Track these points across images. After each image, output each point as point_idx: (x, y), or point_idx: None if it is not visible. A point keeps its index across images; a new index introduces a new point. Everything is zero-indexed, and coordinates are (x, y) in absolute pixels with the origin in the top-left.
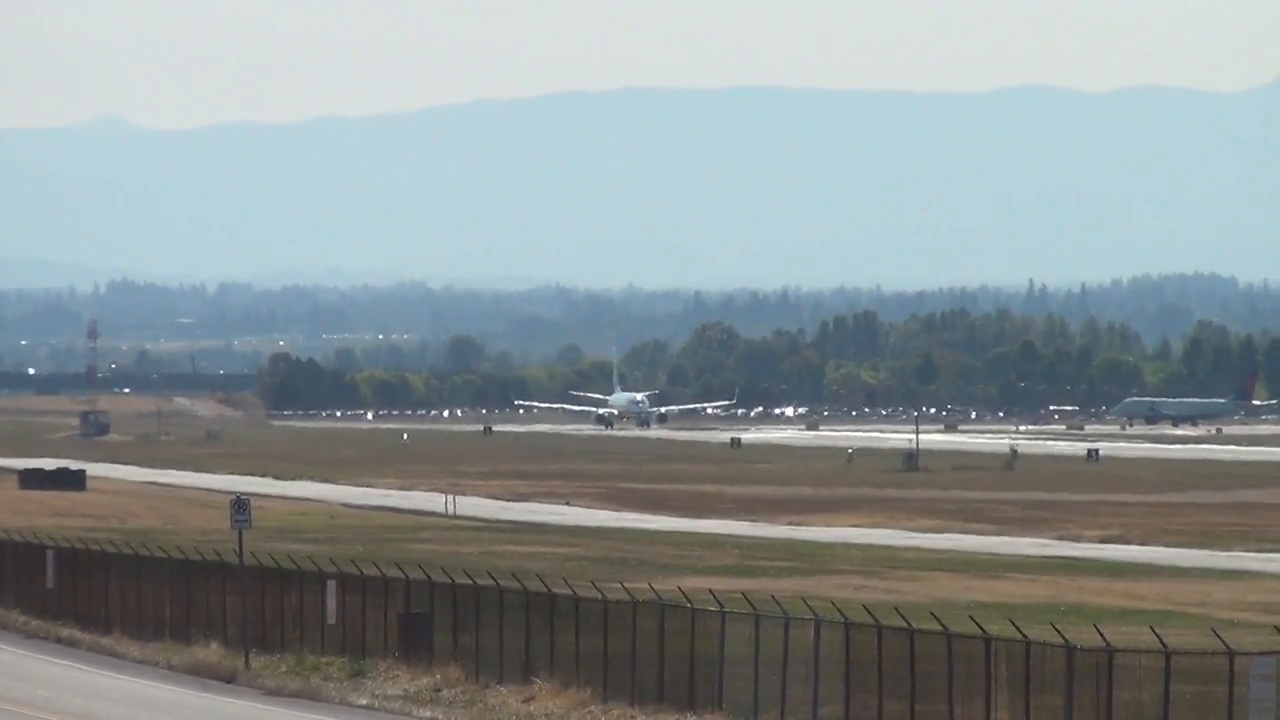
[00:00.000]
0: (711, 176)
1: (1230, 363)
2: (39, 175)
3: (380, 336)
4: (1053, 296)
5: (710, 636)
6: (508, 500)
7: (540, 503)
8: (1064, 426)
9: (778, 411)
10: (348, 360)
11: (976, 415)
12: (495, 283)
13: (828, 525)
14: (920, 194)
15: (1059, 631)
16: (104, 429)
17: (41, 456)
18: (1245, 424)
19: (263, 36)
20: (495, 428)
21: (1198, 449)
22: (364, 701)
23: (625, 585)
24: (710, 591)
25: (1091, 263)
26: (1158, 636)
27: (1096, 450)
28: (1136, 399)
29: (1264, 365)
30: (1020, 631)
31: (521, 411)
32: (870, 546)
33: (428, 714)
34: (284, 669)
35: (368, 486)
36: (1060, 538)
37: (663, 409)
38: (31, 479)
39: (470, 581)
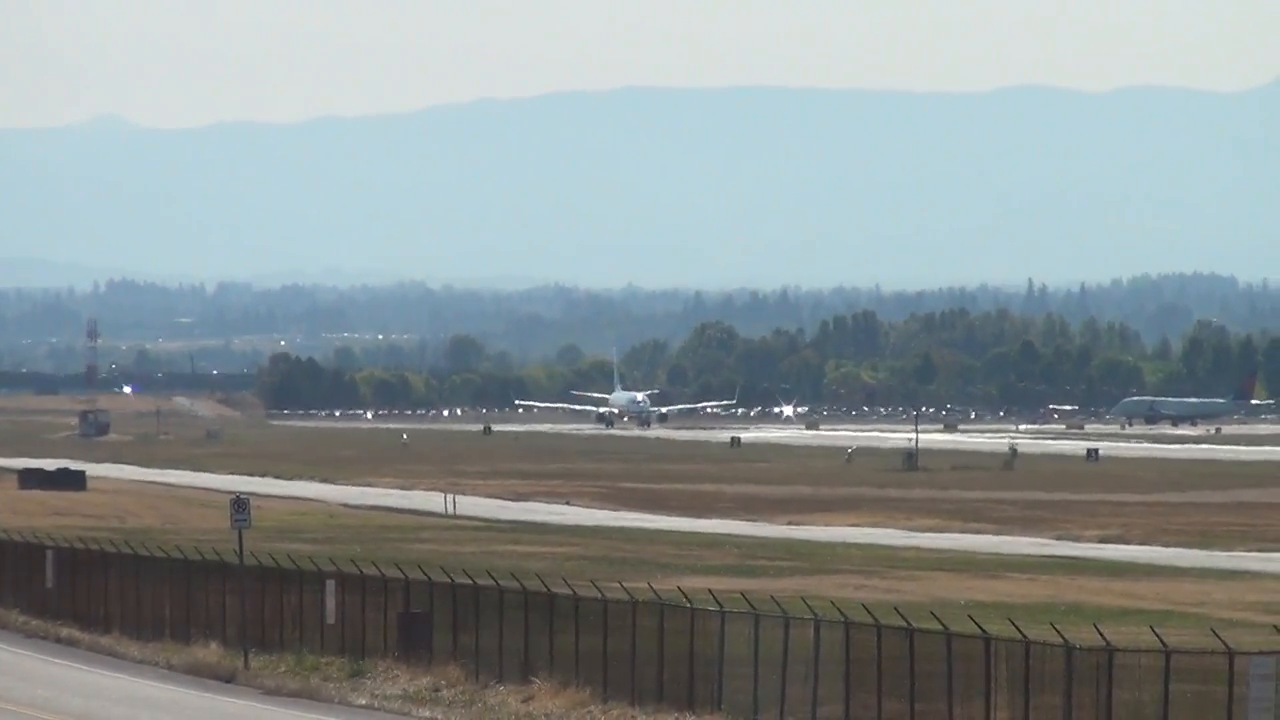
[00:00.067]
0: (711, 176)
1: (1229, 363)
2: (38, 175)
3: (380, 336)
4: (1052, 296)
5: (710, 636)
6: (507, 500)
7: (540, 502)
8: (1063, 426)
9: (777, 411)
10: (347, 360)
11: (976, 415)
12: (495, 282)
13: (827, 525)
14: (920, 194)
15: (1058, 631)
16: (103, 429)
17: (41, 456)
18: (1244, 424)
19: (263, 36)
20: (495, 427)
21: (1197, 449)
22: (363, 701)
23: (624, 585)
24: (709, 591)
25: (1091, 262)
26: (1157, 636)
27: (1096, 450)
28: (1136, 399)
29: (1263, 365)
30: (1020, 631)
31: (521, 411)
32: (870, 546)
33: (427, 714)
34: (283, 669)
35: (367, 486)
36: (1060, 537)
37: (663, 409)
38: (31, 479)
39: (470, 581)
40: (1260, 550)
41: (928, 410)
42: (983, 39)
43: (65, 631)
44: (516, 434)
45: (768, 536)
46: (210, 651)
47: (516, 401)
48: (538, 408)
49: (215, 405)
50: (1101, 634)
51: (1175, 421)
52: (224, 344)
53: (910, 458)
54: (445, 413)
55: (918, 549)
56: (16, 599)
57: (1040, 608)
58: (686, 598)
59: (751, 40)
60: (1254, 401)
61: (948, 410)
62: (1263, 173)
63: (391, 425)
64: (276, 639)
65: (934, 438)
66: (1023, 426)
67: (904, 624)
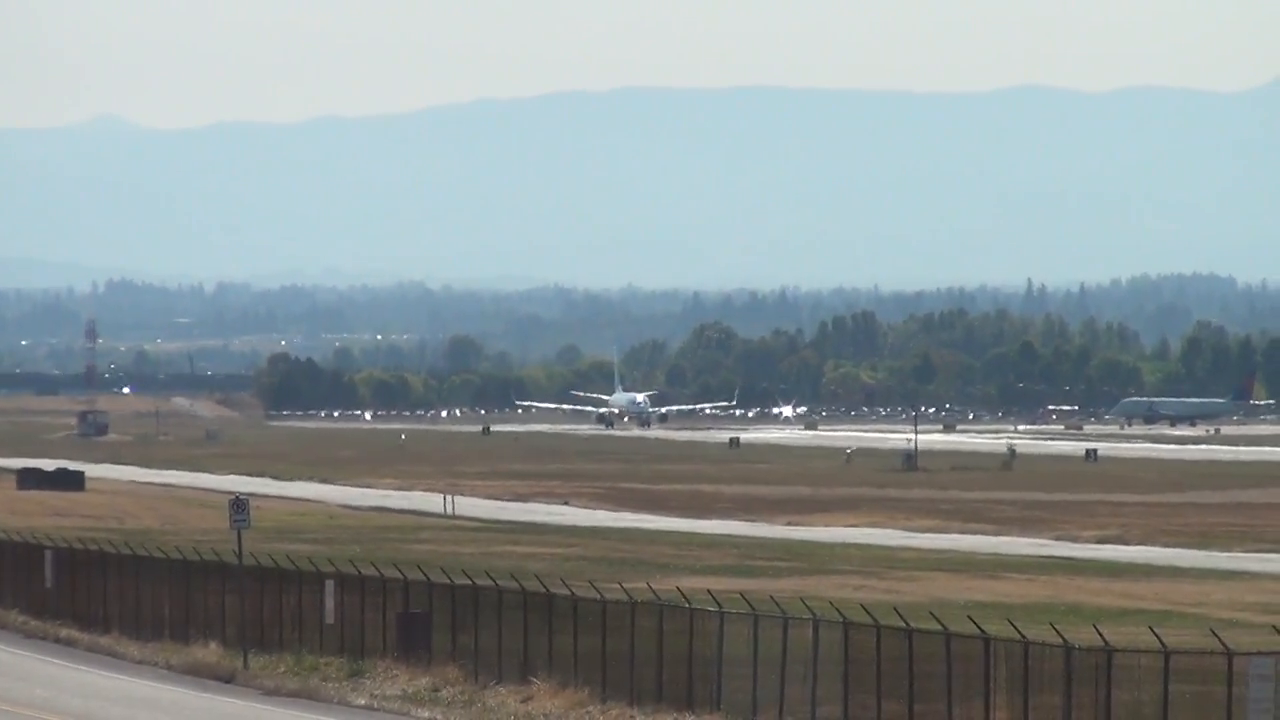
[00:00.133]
0: (711, 176)
1: (1228, 363)
2: (38, 175)
3: (379, 336)
4: (1051, 296)
5: (708, 636)
6: (506, 500)
7: (539, 503)
8: (1062, 426)
9: (776, 411)
10: (346, 360)
11: (975, 415)
12: (494, 283)
13: (826, 525)
14: (919, 194)
15: (1058, 631)
16: (102, 429)
17: (40, 456)
18: (1243, 424)
19: (262, 36)
20: (494, 428)
21: (1196, 449)
22: (362, 701)
23: (623, 585)
24: (708, 591)
25: (1090, 263)
26: (1156, 636)
27: (1095, 450)
28: (1135, 399)
29: (1262, 365)
30: (1019, 631)
31: (520, 411)
32: (869, 546)
33: (426, 714)
34: (283, 669)
35: (366, 487)
36: (1059, 538)
37: (664, 409)
38: (30, 479)
39: (469, 582)
40: (1259, 551)
41: (927, 411)
42: (983, 39)
43: (64, 632)
44: (515, 434)
45: (767, 537)
46: (209, 652)
47: (517, 402)
48: (538, 408)
49: (214, 406)
50: (1101, 634)
51: (1174, 422)
52: (223, 344)
53: (909, 458)
54: (444, 413)
55: (917, 549)
56: (15, 599)
57: (1039, 608)
58: (685, 598)
59: (751, 40)
60: (1253, 402)
61: (947, 411)
62: (1262, 173)
63: (390, 426)
64: (276, 639)
65: (933, 438)
66: (1022, 427)
67: (903, 624)
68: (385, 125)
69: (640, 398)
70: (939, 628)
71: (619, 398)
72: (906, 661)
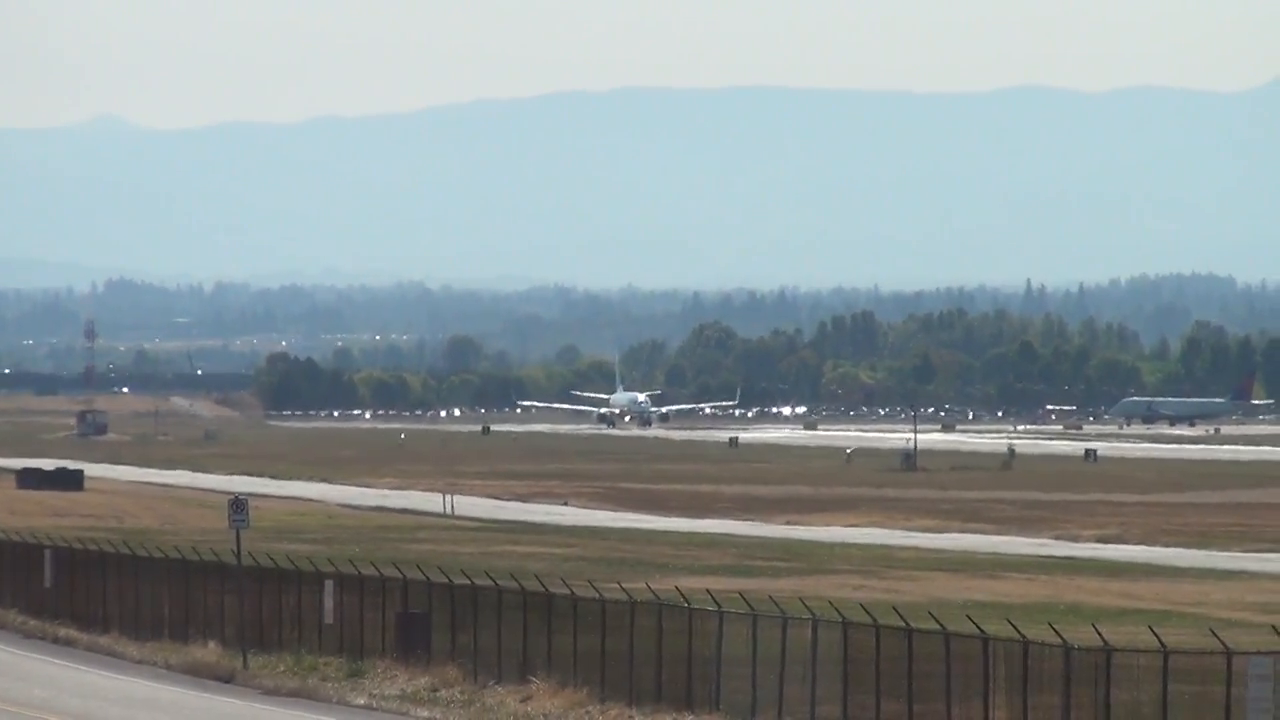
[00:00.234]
0: (710, 176)
1: (1228, 363)
2: (37, 175)
3: (378, 336)
4: (1051, 296)
5: (708, 636)
6: (505, 500)
7: (538, 503)
8: (1062, 426)
9: (776, 411)
10: (345, 360)
11: (974, 415)
12: (493, 283)
13: (826, 525)
14: (919, 194)
15: (1057, 631)
16: (102, 429)
17: (39, 456)
18: (1243, 424)
19: (262, 36)
20: (493, 427)
21: (1195, 449)
22: (362, 701)
23: (623, 585)
24: (708, 591)
25: (1089, 263)
26: (1156, 636)
27: (1094, 450)
28: (1134, 399)
29: (1261, 365)
30: (1018, 631)
31: (520, 411)
32: (868, 546)
33: (425, 714)
34: (282, 669)
35: (365, 486)
36: (1058, 537)
37: (665, 409)
38: (29, 479)
39: (468, 581)
40: (1258, 550)
41: (926, 411)
42: (983, 39)
43: (63, 631)
44: (515, 434)
45: (766, 537)
46: (209, 651)
47: (518, 402)
48: (539, 408)
49: (213, 406)
50: (1100, 634)
51: (1173, 422)
52: (222, 344)
53: (909, 458)
54: (444, 413)
55: (916, 549)
56: (15, 599)
57: (1039, 608)
58: (684, 598)
59: (751, 40)
60: (1252, 402)
61: (946, 411)
62: (1262, 173)
63: (390, 426)
64: (275, 639)
65: (932, 438)
66: (1021, 427)
67: (902, 624)
68: (385, 125)
69: (641, 397)
70: (938, 627)
71: (620, 397)
72: (906, 661)
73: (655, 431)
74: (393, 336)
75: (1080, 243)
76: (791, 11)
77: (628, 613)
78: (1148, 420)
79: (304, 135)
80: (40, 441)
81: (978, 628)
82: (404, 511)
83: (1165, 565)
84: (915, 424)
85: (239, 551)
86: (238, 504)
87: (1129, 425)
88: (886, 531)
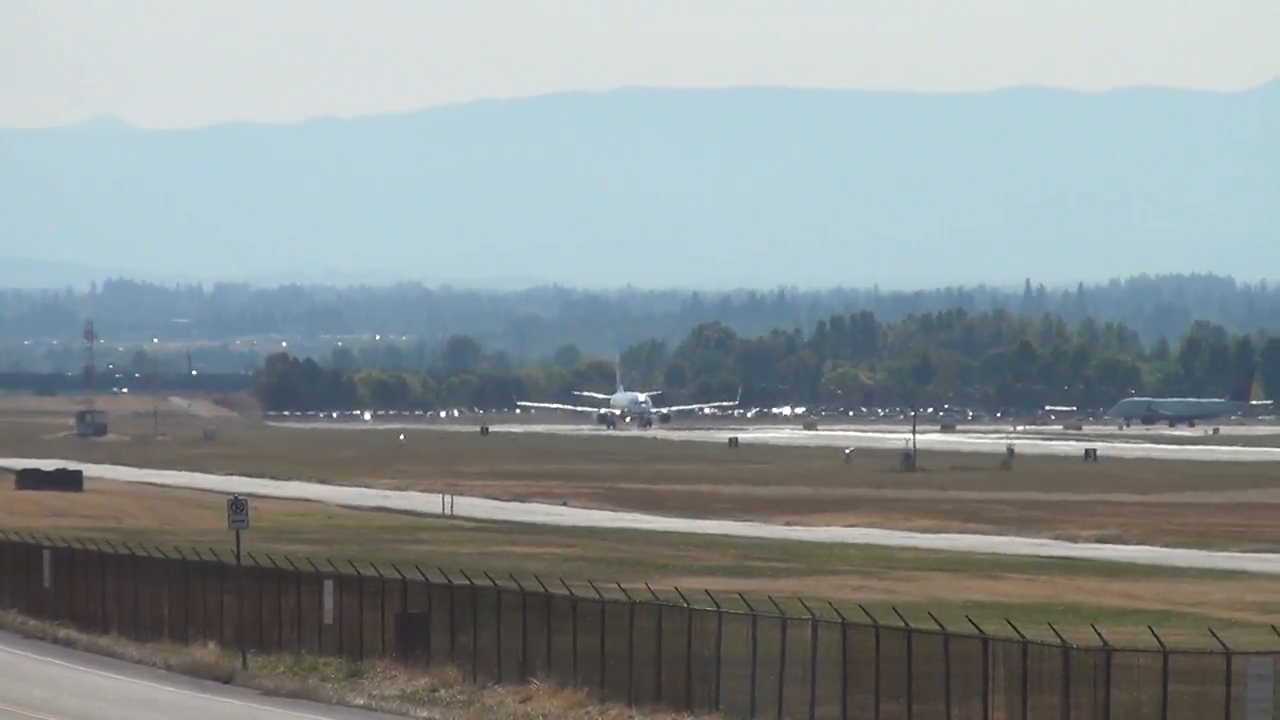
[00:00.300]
0: (710, 176)
1: (1227, 363)
2: (36, 175)
3: (378, 337)
4: (1050, 296)
5: (707, 637)
6: (505, 501)
7: (537, 503)
8: (1061, 426)
9: (775, 411)
10: (345, 360)
11: (974, 415)
12: (493, 283)
13: (825, 525)
14: (918, 194)
15: (1056, 631)
16: (101, 429)
17: (39, 456)
18: (1242, 424)
19: (261, 36)
20: (492, 428)
21: (1195, 449)
22: (361, 702)
23: (622, 586)
24: (707, 592)
25: (1089, 263)
26: (1155, 636)
27: (1094, 450)
28: (1134, 399)
29: (1261, 365)
30: (1017, 631)
31: (519, 412)
32: (867, 546)
33: (425, 714)
34: (281, 669)
35: (365, 487)
36: (1057, 537)
37: (666, 409)
38: (29, 479)
39: (467, 582)
40: (1258, 550)
41: (925, 411)
42: (983, 39)
43: (63, 632)
44: (514, 435)
45: (765, 537)
46: (208, 652)
47: (518, 402)
48: (539, 408)
49: (213, 406)
50: (1099, 634)
51: (1173, 422)
52: (222, 345)
53: (908, 458)
54: (443, 413)
55: (915, 549)
56: (14, 599)
57: (1038, 608)
58: (684, 598)
59: (751, 40)
60: (1252, 402)
61: (945, 411)
62: (1261, 173)
63: (389, 426)
64: (274, 639)
65: (932, 438)
66: (1020, 427)
67: (901, 624)
68: (384, 125)
69: (642, 397)
70: (937, 628)
71: (621, 397)
72: (905, 661)
73: (654, 432)
74: (392, 337)
75: (1080, 243)
76: (791, 11)
77: (627, 613)
78: (1147, 420)
79: (303, 135)
80: (40, 442)
81: (977, 628)
82: (403, 512)
83: (1165, 565)
84: (914, 424)
85: (238, 552)
86: (237, 504)
87: (1128, 425)
88: (886, 532)
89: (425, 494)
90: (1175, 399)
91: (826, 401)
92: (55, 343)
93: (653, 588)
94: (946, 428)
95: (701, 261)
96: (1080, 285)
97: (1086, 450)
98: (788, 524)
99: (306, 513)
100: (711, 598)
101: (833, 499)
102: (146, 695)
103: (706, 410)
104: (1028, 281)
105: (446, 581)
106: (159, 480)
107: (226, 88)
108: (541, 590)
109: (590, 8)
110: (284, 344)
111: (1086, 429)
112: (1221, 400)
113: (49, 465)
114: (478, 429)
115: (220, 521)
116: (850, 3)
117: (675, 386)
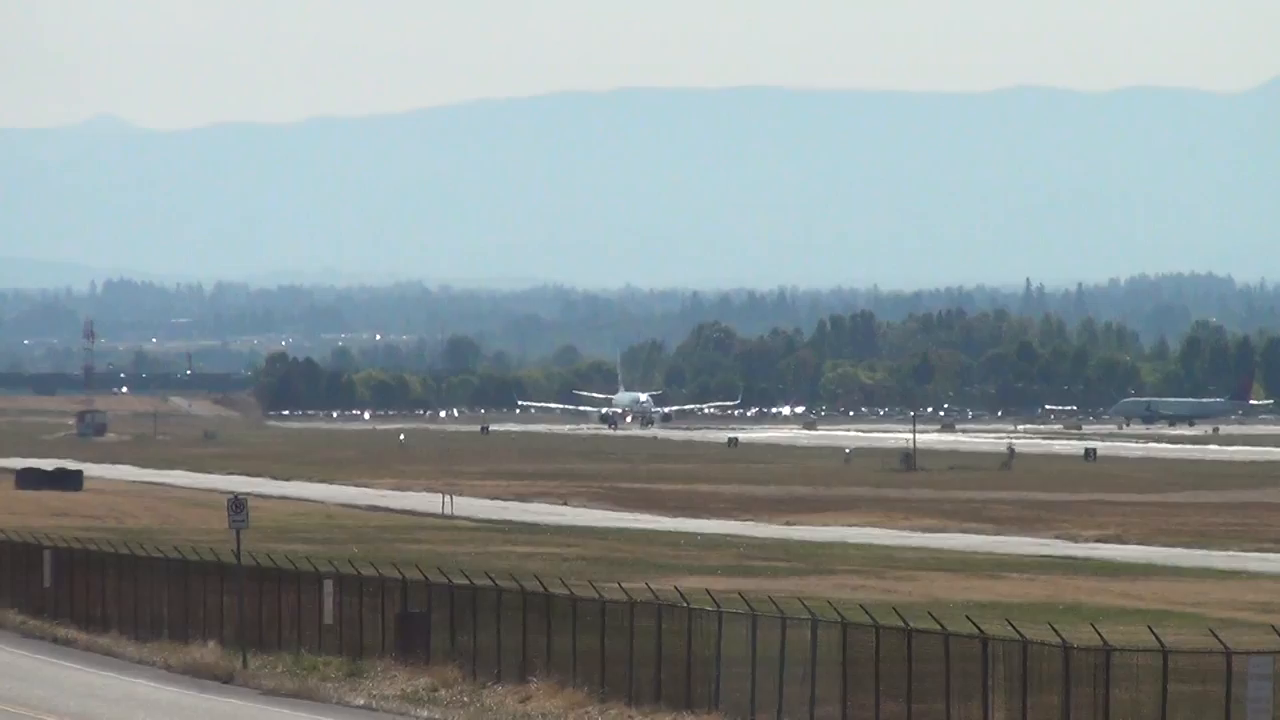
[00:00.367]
0: (709, 177)
1: (1227, 363)
2: (36, 175)
3: (377, 336)
4: (1050, 296)
5: (707, 636)
6: (505, 500)
7: (537, 503)
8: (1061, 426)
9: (775, 411)
10: (345, 360)
11: (973, 415)
12: (492, 283)
13: (825, 525)
14: (918, 194)
15: (1056, 631)
16: (101, 429)
17: (39, 456)
18: (1242, 424)
19: (260, 36)
20: (492, 428)
21: (1195, 449)
22: (361, 701)
23: (622, 585)
24: (707, 591)
25: (1089, 262)
26: (1155, 636)
27: (1094, 450)
28: (1133, 399)
29: (1261, 365)
30: (1017, 631)
31: (519, 412)
32: (867, 546)
33: (425, 714)
34: (281, 669)
35: (365, 487)
36: (1058, 537)
37: (667, 409)
38: (29, 479)
39: (467, 582)
40: (1258, 550)
41: (925, 410)
42: (982, 39)
43: (63, 631)
44: (514, 434)
45: (765, 537)
46: (208, 651)
47: (519, 402)
48: (539, 408)
49: (212, 406)
50: (1099, 634)
51: (1173, 421)
52: (221, 344)
53: (908, 458)
54: (443, 413)
55: (915, 549)
56: (14, 599)
57: (1038, 608)
58: (684, 598)
59: (751, 40)
60: (1251, 401)
61: (945, 410)
62: (1261, 173)
63: (389, 426)
64: (274, 639)
65: (932, 438)
66: (1020, 426)
67: (901, 624)
68: (383, 125)
69: (644, 397)
70: (937, 628)
71: (623, 397)
72: (905, 661)
73: (654, 431)
74: (392, 337)
75: (1079, 243)
76: (791, 11)
77: (627, 613)
78: (1147, 420)
79: (303, 135)
80: (40, 441)
81: (977, 628)
82: (403, 512)
83: (1164, 565)
84: (914, 424)
85: (239, 551)
86: (237, 504)
87: (1128, 425)
88: (886, 531)
89: (425, 494)
90: (1175, 399)
91: (826, 401)
92: (55, 343)
93: (653, 587)
94: (946, 427)
95: (701, 261)
96: (1080, 285)
97: (1086, 450)
98: (788, 524)
99: (306, 512)
100: (711, 597)
101: (833, 499)
102: (146, 695)
103: (707, 410)
104: (1028, 281)
105: (446, 581)
106: (159, 480)
107: (226, 88)
108: (541, 590)
109: (590, 8)
110: (284, 344)
111: (1086, 429)
112: (1221, 400)
113: (49, 465)
114: (478, 429)
115: (220, 521)
116: (850, 3)
117: (675, 386)
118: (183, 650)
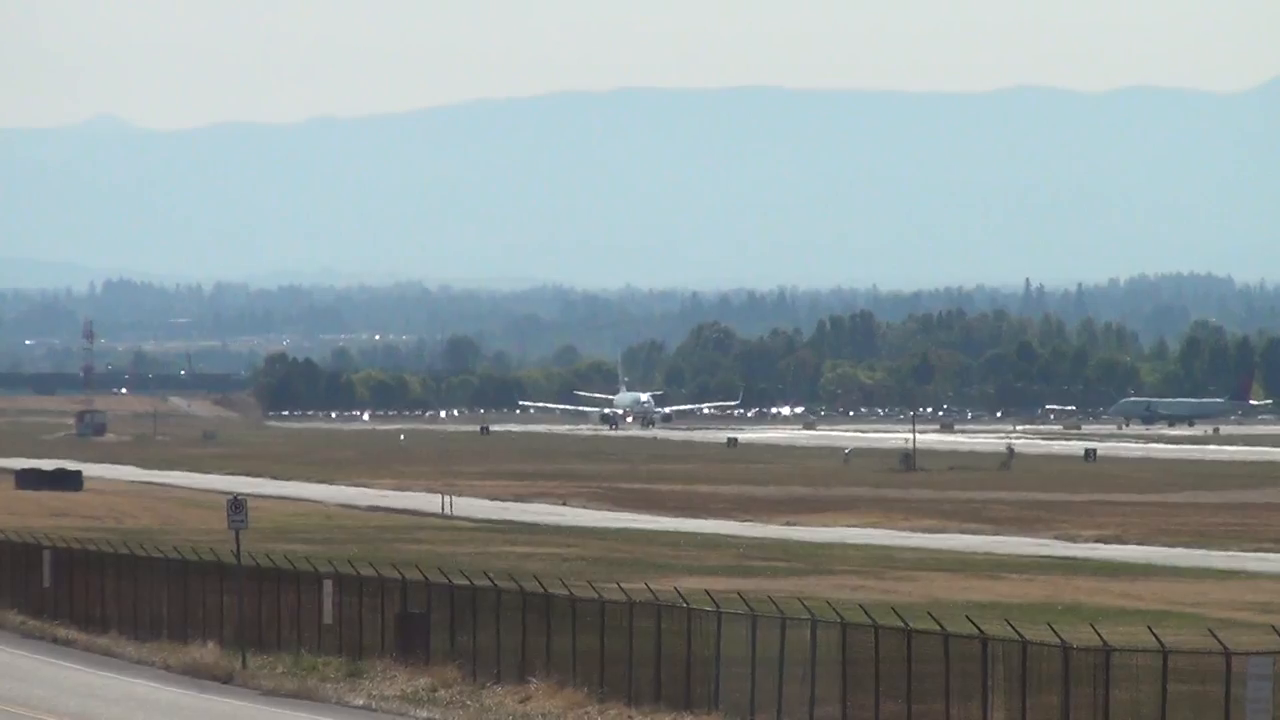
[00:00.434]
0: (709, 177)
1: (1227, 363)
2: (35, 175)
3: (377, 337)
4: (1049, 296)
5: (706, 637)
6: (504, 500)
7: (537, 503)
8: (1061, 426)
9: (775, 411)
10: (344, 360)
11: (973, 415)
12: (492, 283)
13: (824, 525)
14: (918, 194)
15: (1055, 631)
16: (100, 429)
17: (38, 456)
18: (1242, 424)
19: (260, 36)
20: (492, 428)
21: (1194, 449)
22: (361, 702)
23: (622, 585)
24: (706, 592)
25: (1088, 263)
26: (1155, 636)
27: (1093, 450)
28: (1133, 399)
29: (1260, 365)
30: (1017, 631)
31: (519, 412)
32: (867, 546)
33: (424, 714)
34: (281, 669)
35: (364, 487)
36: (1057, 537)
37: (668, 409)
38: (28, 479)
39: (467, 582)
40: (1257, 550)
41: (925, 410)
42: (982, 39)
43: (62, 632)
44: (514, 435)
45: (765, 537)
46: (208, 652)
47: (519, 402)
48: (539, 409)
49: (212, 406)
50: (1099, 634)
51: (1172, 422)
52: (221, 345)
53: (907, 458)
54: (442, 413)
55: (915, 549)
56: (14, 599)
57: (1037, 608)
58: (683, 598)
59: (751, 40)
60: (1251, 402)
61: (945, 411)
62: (1260, 173)
63: (389, 426)
64: (274, 639)
65: (931, 438)
66: (1020, 427)
67: (901, 624)
68: (383, 125)
69: (645, 397)
70: (937, 628)
71: (624, 397)
72: (904, 662)
73: (654, 432)
74: (391, 337)
75: (1079, 243)
76: (791, 11)
77: (626, 613)
78: (1147, 420)
79: (303, 135)
80: (39, 442)
81: (976, 628)
82: (403, 512)
83: (1164, 565)
84: (914, 424)
85: (238, 552)
86: (237, 504)
87: (1128, 425)
88: (885, 532)
89: (425, 494)
90: (1175, 399)
91: (826, 401)
92: (55, 343)
93: (652, 588)
94: (946, 427)
95: (701, 261)
96: (1080, 285)
97: (1086, 450)
98: (787, 524)
99: (306, 513)
100: (711, 598)
101: (832, 499)
102: (146, 695)
103: (706, 410)
104: (1027, 281)
105: (446, 582)
106: (159, 480)
107: (226, 88)
108: (541, 590)
109: (590, 8)
110: (283, 344)
111: (1086, 429)
112: (1221, 400)
113: (49, 465)
114: (477, 429)
115: (220, 521)
116: (850, 3)
117: (675, 387)
118: (182, 650)
